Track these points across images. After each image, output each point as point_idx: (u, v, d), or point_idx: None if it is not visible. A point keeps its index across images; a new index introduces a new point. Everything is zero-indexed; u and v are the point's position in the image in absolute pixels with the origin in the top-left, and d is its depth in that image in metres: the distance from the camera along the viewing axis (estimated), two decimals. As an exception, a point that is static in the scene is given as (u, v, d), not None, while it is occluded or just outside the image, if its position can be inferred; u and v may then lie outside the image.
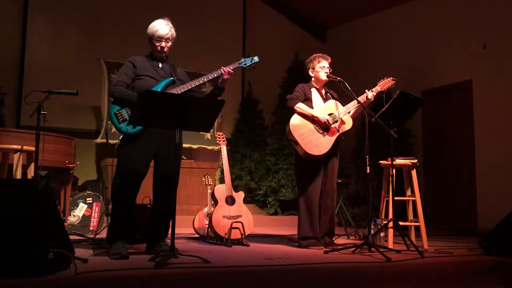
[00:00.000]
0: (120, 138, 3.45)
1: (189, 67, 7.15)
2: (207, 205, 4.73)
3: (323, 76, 4.14)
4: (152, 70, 3.52)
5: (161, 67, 3.58)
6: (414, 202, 4.33)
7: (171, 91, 3.36)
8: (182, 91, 3.41)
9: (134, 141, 3.37)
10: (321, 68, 4.16)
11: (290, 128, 3.98)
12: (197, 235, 4.79)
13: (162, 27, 3.49)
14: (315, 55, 4.25)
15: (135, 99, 3.31)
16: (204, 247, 4.07)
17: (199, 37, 7.98)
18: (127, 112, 3.36)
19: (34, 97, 3.44)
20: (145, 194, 3.96)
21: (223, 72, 3.48)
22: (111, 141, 4.02)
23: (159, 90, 3.39)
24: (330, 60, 4.22)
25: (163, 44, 3.51)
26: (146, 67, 3.51)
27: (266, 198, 7.67)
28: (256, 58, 3.64)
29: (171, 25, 3.54)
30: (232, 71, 3.50)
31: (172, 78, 3.52)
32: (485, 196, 6.46)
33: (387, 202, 4.22)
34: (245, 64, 3.62)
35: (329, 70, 4.17)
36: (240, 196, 4.47)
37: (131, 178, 3.38)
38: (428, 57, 7.38)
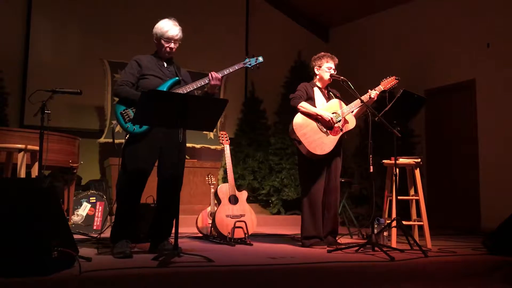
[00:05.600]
0: (126, 137, 3.44)
1: (192, 66, 7.17)
2: (210, 204, 4.74)
3: (327, 76, 4.14)
4: (157, 69, 3.52)
5: (166, 67, 3.58)
6: (417, 201, 4.32)
7: (177, 91, 3.36)
8: (187, 91, 3.42)
9: (139, 141, 3.37)
10: (328, 68, 4.15)
11: (293, 127, 3.97)
12: (200, 234, 4.79)
13: (171, 28, 3.49)
14: (323, 53, 4.24)
15: None
16: (207, 246, 4.08)
17: (202, 36, 7.98)
18: (133, 111, 3.34)
19: (37, 96, 3.44)
20: (149, 193, 3.96)
21: (211, 78, 3.44)
22: (117, 141, 4.01)
23: (165, 89, 3.39)
24: (337, 61, 4.21)
25: (172, 45, 3.52)
26: (152, 66, 3.51)
27: (269, 197, 7.67)
28: (260, 58, 3.63)
29: (179, 26, 3.54)
30: (220, 77, 3.44)
31: (177, 78, 3.53)
32: (488, 195, 6.44)
33: (391, 201, 4.20)
34: (249, 64, 3.61)
35: (335, 72, 4.16)
36: (243, 195, 4.47)
37: (136, 177, 3.38)
38: (431, 56, 7.36)
